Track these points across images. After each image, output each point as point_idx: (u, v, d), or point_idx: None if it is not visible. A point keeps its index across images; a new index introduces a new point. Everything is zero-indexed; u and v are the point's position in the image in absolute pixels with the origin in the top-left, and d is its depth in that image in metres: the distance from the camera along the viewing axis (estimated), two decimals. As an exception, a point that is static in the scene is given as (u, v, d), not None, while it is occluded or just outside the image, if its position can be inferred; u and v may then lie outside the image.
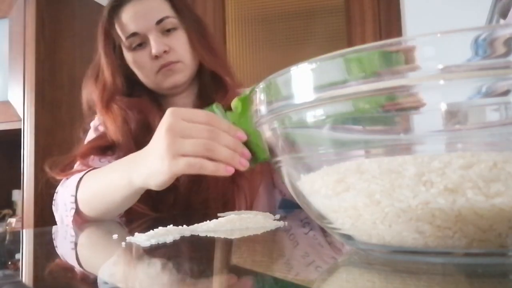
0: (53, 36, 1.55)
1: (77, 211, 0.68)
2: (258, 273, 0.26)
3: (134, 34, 0.79)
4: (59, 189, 0.75)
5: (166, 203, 0.77)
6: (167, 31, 0.80)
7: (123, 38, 0.80)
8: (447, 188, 0.21)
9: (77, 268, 0.33)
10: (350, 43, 1.76)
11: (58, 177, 0.76)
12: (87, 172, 0.70)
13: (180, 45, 0.80)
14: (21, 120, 1.48)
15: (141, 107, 0.81)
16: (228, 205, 0.77)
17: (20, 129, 1.47)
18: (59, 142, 1.49)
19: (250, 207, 0.79)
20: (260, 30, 1.92)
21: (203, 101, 0.84)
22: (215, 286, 0.24)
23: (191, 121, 0.53)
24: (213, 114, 0.55)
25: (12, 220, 1.56)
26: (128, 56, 0.82)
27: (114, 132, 0.78)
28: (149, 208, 0.75)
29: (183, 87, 0.85)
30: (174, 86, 0.83)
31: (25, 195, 1.45)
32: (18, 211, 1.64)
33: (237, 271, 0.28)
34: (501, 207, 0.21)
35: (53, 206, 0.76)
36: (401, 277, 0.23)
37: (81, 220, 0.69)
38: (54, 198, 0.76)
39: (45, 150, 1.46)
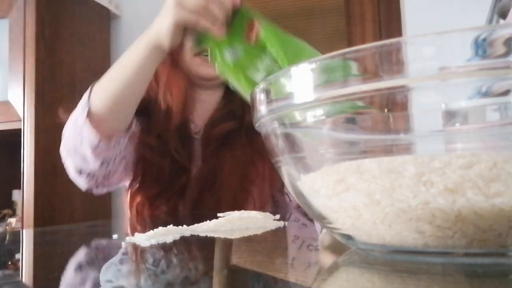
0: (53, 36, 1.55)
1: (89, 113, 0.69)
2: (258, 273, 0.26)
3: None
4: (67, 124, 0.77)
5: (178, 193, 0.78)
6: None
7: None
8: (447, 188, 0.21)
9: (77, 268, 0.33)
10: (350, 43, 1.76)
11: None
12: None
13: None
14: (21, 120, 1.48)
15: None
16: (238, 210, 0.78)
17: (20, 129, 1.47)
18: (59, 142, 1.48)
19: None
20: (260, 30, 1.92)
21: (226, 102, 0.86)
22: (215, 286, 0.24)
23: None
24: None
25: (12, 220, 1.56)
26: None
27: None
28: (160, 189, 0.77)
29: (212, 82, 0.84)
30: (204, 77, 0.81)
31: (25, 195, 1.44)
32: (18, 211, 1.64)
33: (237, 271, 0.28)
34: (501, 207, 0.21)
35: (61, 152, 0.79)
36: (401, 277, 0.23)
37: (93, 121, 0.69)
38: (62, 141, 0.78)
39: (45, 150, 1.46)
